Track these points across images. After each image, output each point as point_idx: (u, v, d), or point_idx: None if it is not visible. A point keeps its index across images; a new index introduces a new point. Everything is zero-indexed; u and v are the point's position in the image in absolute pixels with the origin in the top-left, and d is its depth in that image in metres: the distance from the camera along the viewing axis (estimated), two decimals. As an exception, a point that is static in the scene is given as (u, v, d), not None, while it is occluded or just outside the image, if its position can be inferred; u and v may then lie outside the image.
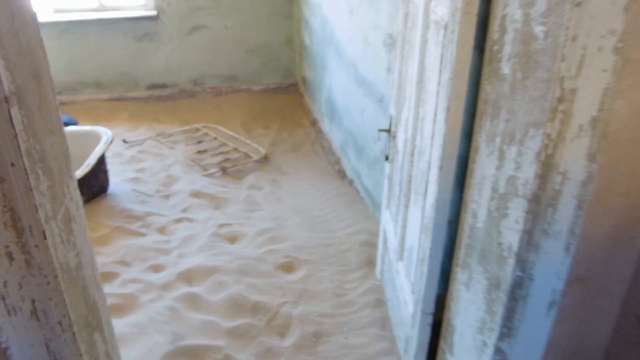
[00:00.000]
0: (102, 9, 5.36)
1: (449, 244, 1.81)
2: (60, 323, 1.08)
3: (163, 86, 5.69)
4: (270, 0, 5.43)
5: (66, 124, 3.79)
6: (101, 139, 3.71)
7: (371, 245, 3.12)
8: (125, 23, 5.33)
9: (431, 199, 1.64)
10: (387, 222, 2.49)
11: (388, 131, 2.40)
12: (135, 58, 5.51)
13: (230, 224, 3.48)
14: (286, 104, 5.71)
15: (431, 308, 1.79)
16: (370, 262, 2.96)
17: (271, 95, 5.89)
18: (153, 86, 5.68)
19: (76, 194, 1.22)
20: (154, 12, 5.30)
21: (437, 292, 1.77)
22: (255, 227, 3.43)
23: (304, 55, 5.45)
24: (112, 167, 4.28)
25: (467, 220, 1.52)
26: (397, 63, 2.24)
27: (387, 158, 2.46)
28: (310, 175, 4.40)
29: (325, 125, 4.78)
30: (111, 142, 3.72)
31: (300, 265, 2.99)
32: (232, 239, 3.33)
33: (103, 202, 3.59)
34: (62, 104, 5.62)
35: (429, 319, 1.82)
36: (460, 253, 1.58)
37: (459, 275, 1.60)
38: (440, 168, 1.54)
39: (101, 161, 3.61)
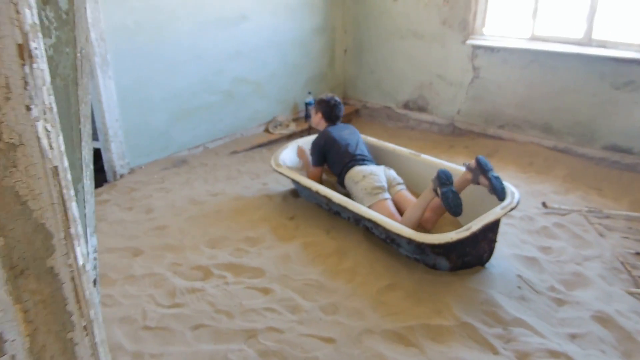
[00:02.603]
0: (587, 43, 4.24)
1: None
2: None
3: (626, 151, 4.20)
4: None
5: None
6: (504, 200, 2.74)
7: None
8: (607, 64, 4.08)
9: None
10: None
11: None
12: (602, 108, 4.21)
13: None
14: None
15: None
16: None
17: None
18: (612, 147, 4.26)
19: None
20: (651, 56, 3.86)
21: None
22: None
23: None
24: (511, 231, 3.27)
25: None
26: None
27: None
28: None
29: None
30: (513, 209, 2.70)
31: None
32: None
33: (470, 279, 2.63)
34: (499, 139, 4.86)
35: None
36: None
37: None
38: None
39: (491, 228, 2.65)
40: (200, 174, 4.23)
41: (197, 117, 4.59)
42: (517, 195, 2.77)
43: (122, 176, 4.11)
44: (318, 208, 3.41)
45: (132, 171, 4.18)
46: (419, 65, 5.26)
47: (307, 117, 5.35)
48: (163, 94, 4.27)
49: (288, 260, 2.79)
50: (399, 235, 2.60)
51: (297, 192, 3.66)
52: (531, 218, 3.51)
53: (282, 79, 5.24)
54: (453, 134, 5.20)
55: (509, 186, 2.90)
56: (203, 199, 3.72)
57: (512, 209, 2.68)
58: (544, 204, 3.67)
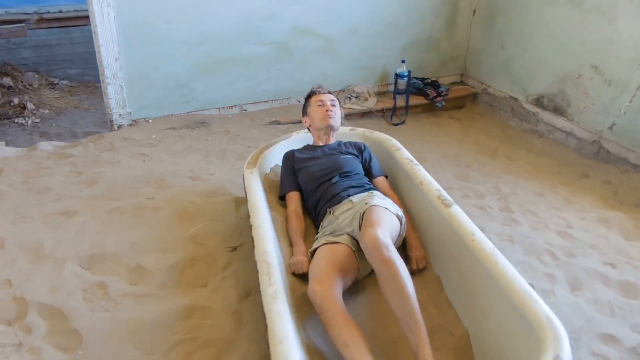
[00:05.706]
0: None
1: None
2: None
3: None
4: None
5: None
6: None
7: None
8: None
9: None
10: None
11: None
12: None
13: None
14: None
15: None
16: None
17: None
18: None
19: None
20: None
21: None
22: None
23: None
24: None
25: None
26: None
27: None
28: None
29: None
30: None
31: None
32: None
33: None
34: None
35: None
36: None
37: None
38: None
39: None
40: (208, 144, 3.21)
41: (232, 71, 3.51)
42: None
43: (119, 127, 3.29)
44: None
45: (134, 124, 3.33)
46: (566, 46, 3.41)
47: (399, 92, 3.91)
48: (184, 36, 3.26)
49: (140, 334, 1.66)
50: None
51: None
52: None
53: (367, 38, 3.84)
54: (596, 158, 3.34)
55: None
56: (173, 181, 2.71)
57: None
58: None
